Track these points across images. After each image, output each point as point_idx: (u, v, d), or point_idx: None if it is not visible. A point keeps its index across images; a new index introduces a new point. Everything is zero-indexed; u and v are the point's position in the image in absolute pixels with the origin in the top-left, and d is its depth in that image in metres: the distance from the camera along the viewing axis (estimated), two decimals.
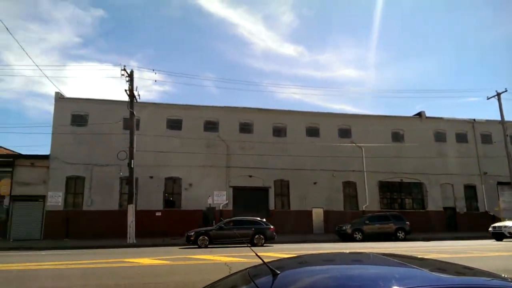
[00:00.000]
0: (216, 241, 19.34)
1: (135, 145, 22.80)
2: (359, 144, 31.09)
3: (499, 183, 32.89)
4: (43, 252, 17.18)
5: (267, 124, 30.67)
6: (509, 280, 1.90)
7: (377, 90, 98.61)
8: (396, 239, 23.56)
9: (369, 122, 32.69)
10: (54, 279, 9.45)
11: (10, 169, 25.52)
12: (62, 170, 25.98)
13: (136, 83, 23.32)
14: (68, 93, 36.23)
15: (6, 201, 25.06)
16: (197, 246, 18.75)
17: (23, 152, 30.05)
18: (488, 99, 31.17)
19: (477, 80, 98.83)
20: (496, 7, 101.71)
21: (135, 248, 18.92)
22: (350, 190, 31.13)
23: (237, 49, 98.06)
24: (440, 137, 33.75)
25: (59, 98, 27.35)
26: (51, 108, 26.98)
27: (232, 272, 3.17)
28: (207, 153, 28.54)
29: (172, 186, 28.09)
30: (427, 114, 34.26)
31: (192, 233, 19.33)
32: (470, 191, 33.08)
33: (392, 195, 32.09)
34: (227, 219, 21.63)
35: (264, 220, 21.05)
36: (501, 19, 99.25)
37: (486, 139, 34.29)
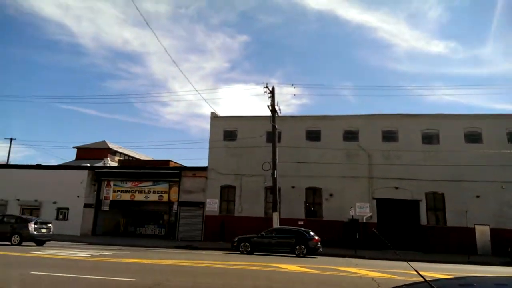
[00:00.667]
0: (257, 248, 19.43)
1: (277, 157, 24.05)
2: None
3: None
4: (204, 252, 19.56)
5: (414, 130, 28.06)
6: None
7: None
8: None
9: None
10: (213, 277, 10.61)
11: (177, 179, 30.20)
12: (217, 180, 29.28)
13: (276, 98, 24.72)
14: (220, 112, 40.90)
15: (175, 206, 29.67)
16: (239, 252, 19.25)
17: (188, 165, 35.19)
18: None
19: None
20: None
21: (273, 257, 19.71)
22: None
23: (377, 53, 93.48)
24: None
25: (214, 117, 31.09)
26: (207, 126, 30.95)
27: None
28: (347, 163, 27.86)
29: (313, 196, 28.34)
30: None
31: (236, 240, 20.05)
32: None
33: None
34: (270, 228, 21.29)
35: (309, 230, 20.15)
36: None
37: None
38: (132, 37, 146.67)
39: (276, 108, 24.60)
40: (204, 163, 30.40)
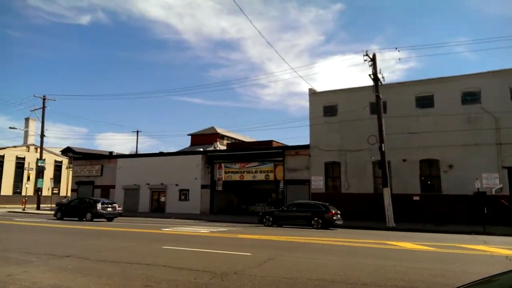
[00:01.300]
0: (278, 221, 21.06)
1: (384, 129, 22.56)
2: None
3: None
4: (313, 229, 19.74)
5: None
6: None
7: None
8: None
9: None
10: (323, 252, 10.64)
11: (281, 159, 30.86)
12: (320, 157, 29.00)
13: (378, 65, 23.02)
14: (319, 88, 40.04)
15: (281, 185, 30.48)
16: (263, 225, 21.15)
17: (289, 144, 35.64)
18: None
19: None
20: None
21: (394, 232, 18.74)
22: None
23: None
24: None
25: (312, 93, 30.61)
26: (306, 103, 30.69)
27: None
28: (468, 130, 24.67)
29: (429, 168, 25.95)
30: None
31: (260, 213, 22.54)
32: None
33: None
34: (291, 203, 22.66)
35: (327, 204, 20.79)
36: None
37: None
38: (229, 25, 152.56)
39: (379, 76, 22.93)
40: (306, 141, 30.36)
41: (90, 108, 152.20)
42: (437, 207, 23.96)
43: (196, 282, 6.63)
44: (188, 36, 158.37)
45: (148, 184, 36.27)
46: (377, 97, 22.82)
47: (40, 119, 37.54)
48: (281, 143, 38.77)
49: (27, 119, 58.05)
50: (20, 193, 53.09)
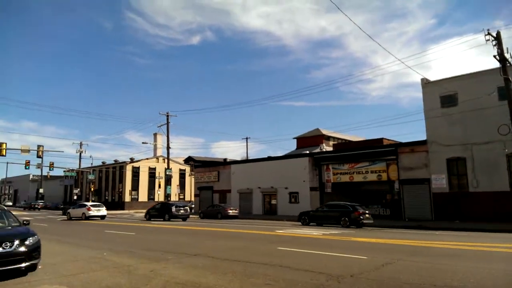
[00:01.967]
0: (313, 221, 23.14)
1: None
2: None
3: None
4: (437, 232, 18.05)
5: None
6: None
7: None
8: None
9: None
10: (447, 258, 9.71)
11: (394, 157, 28.99)
12: (441, 153, 26.32)
13: (505, 44, 19.92)
14: (433, 77, 36.50)
15: (396, 185, 28.58)
16: (300, 224, 23.40)
17: (403, 141, 33.23)
18: None
19: None
20: None
21: None
22: None
23: None
24: None
25: (425, 83, 28.06)
26: (419, 95, 28.30)
27: None
28: None
29: None
30: None
31: (299, 214, 24.93)
32: None
33: None
34: (323, 204, 25.59)
35: (355, 205, 22.08)
36: None
37: None
38: (328, 23, 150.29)
39: (507, 56, 19.82)
40: (421, 136, 27.93)
41: (206, 120, 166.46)
42: None
43: (313, 283, 6.79)
44: (288, 41, 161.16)
45: (259, 187, 37.94)
46: (506, 80, 19.75)
47: (166, 133, 42.67)
48: (392, 141, 36.45)
49: (155, 134, 66.51)
50: (154, 199, 60.87)
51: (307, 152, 39.76)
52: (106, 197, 65.89)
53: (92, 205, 33.28)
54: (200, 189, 44.79)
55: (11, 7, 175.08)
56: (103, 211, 32.90)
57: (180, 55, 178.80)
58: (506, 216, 21.88)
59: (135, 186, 62.98)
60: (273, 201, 36.95)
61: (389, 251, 11.01)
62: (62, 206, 54.83)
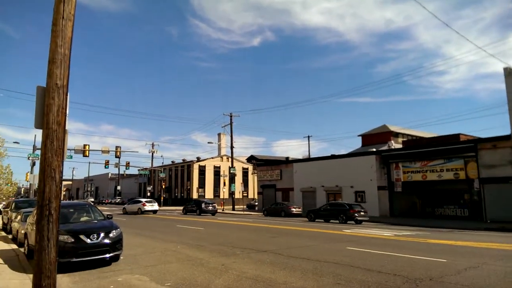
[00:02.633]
0: (317, 218, 26.11)
1: None
2: None
3: None
4: None
5: None
6: None
7: None
8: None
9: None
10: None
11: (473, 154, 26.55)
12: None
13: None
14: None
15: (476, 184, 26.14)
16: (307, 220, 26.47)
17: (482, 136, 30.32)
18: None
19: None
20: None
21: None
22: None
23: None
24: None
25: (509, 73, 25.30)
26: (500, 86, 25.54)
27: None
28: None
29: None
30: None
31: (307, 211, 27.99)
32: None
33: None
34: (326, 203, 28.76)
35: (351, 203, 25.71)
36: None
37: None
38: (394, 14, 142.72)
39: None
40: (503, 131, 25.18)
41: (267, 119, 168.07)
42: None
43: (388, 285, 6.46)
44: (350, 36, 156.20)
45: (323, 186, 37.25)
46: None
47: (229, 133, 43.85)
48: (471, 136, 33.49)
49: (219, 134, 68.83)
50: (219, 196, 62.94)
51: (374, 149, 38.11)
52: (176, 194, 69.59)
53: (146, 201, 36.80)
54: (263, 187, 45.25)
55: (82, 20, 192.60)
56: (155, 206, 36.52)
57: (241, 57, 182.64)
58: None
59: (201, 184, 65.71)
60: (338, 200, 36.04)
61: (471, 254, 10.11)
62: None
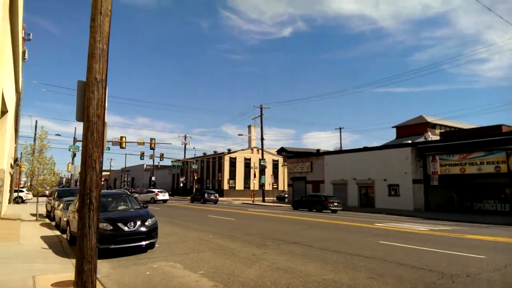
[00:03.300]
0: (300, 207, 30.82)
1: None
2: None
3: None
4: None
5: None
6: None
7: None
8: None
9: None
10: None
11: None
12: None
13: None
14: None
15: None
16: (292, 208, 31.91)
17: None
18: None
19: None
20: None
21: None
22: None
23: None
24: None
25: None
26: None
27: None
28: None
29: None
30: None
31: (293, 201, 33.84)
32: None
33: None
34: (306, 195, 34.35)
35: (329, 195, 30.23)
36: None
37: None
38: None
39: None
40: None
41: (297, 111, 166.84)
42: None
43: (423, 281, 6.31)
44: (385, 23, 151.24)
45: (355, 179, 36.62)
46: None
47: (259, 125, 43.93)
48: None
49: (249, 126, 69.08)
50: (249, 187, 63.44)
51: (409, 141, 36.92)
52: (208, 185, 70.87)
53: (159, 191, 40.27)
54: (293, 179, 45.13)
55: (117, 14, 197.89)
56: (166, 196, 40.02)
57: (272, 48, 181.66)
58: None
59: (232, 175, 66.46)
60: (370, 194, 35.36)
61: (510, 251, 9.65)
62: (170, 193, 60.87)
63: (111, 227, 8.41)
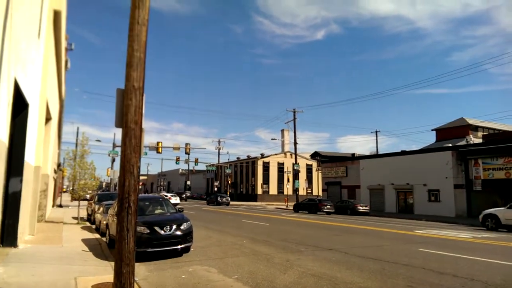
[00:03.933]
0: (300, 210, 34.72)
1: None
2: None
3: None
4: None
5: None
6: None
7: None
8: None
9: None
10: None
11: None
12: None
13: None
14: None
15: None
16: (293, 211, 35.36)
17: None
18: None
19: None
20: None
21: None
22: None
23: None
24: None
25: None
26: None
27: None
28: None
29: None
30: None
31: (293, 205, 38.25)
32: None
33: None
34: (305, 198, 38.24)
35: (321, 199, 35.90)
36: None
37: None
38: None
39: None
40: None
41: (331, 114, 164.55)
42: None
43: None
44: (423, 23, 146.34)
45: (392, 184, 35.49)
46: None
47: (292, 129, 43.70)
48: None
49: (282, 131, 68.91)
50: (282, 192, 63.19)
51: (450, 145, 35.35)
52: (241, 189, 71.34)
53: (171, 195, 43.83)
54: (327, 184, 44.44)
55: (153, 23, 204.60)
56: (178, 200, 42.80)
57: (305, 51, 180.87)
58: None
59: (265, 180, 66.50)
60: (409, 199, 34.08)
61: None
62: (205, 197, 61.84)
63: (148, 231, 8.63)
